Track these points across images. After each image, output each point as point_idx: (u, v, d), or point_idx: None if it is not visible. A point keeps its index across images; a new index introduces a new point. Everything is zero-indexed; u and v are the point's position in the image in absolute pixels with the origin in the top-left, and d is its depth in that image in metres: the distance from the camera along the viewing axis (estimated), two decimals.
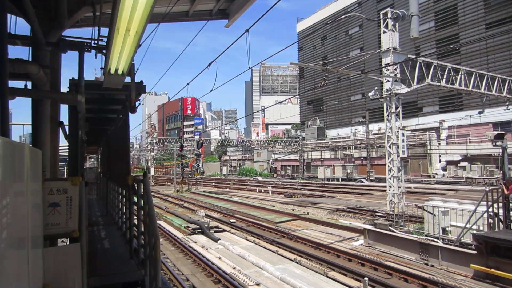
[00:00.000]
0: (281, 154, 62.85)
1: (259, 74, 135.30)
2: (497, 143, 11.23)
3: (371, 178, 39.97)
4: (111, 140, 8.56)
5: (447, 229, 11.01)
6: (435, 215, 11.06)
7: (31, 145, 3.32)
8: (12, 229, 1.69)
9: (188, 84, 14.02)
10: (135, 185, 4.86)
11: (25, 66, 3.75)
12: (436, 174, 38.99)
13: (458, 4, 42.71)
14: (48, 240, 3.31)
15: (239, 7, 6.45)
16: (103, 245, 5.90)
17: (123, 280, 4.21)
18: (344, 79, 57.76)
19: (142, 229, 4.50)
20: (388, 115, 14.19)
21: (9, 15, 3.83)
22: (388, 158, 14.13)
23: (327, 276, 8.70)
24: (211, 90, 11.92)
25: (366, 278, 7.74)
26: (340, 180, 41.84)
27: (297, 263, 9.85)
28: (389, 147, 14.05)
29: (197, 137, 56.50)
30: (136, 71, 5.16)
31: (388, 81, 14.13)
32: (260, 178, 53.36)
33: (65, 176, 12.88)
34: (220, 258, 10.45)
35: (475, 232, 9.31)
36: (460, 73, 16.43)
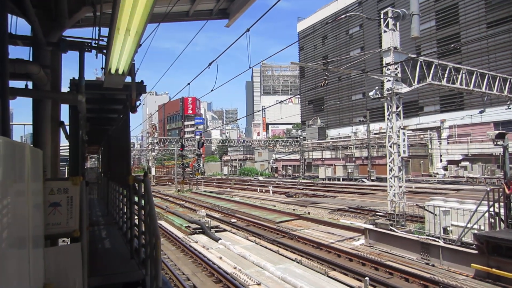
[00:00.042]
0: (282, 154, 62.84)
1: (259, 74, 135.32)
2: (498, 143, 11.19)
3: (372, 178, 39.94)
4: (112, 140, 8.56)
5: (448, 228, 10.99)
6: (436, 215, 11.05)
7: (31, 145, 3.32)
8: (13, 228, 1.69)
9: (188, 84, 14.00)
10: (136, 185, 4.87)
11: (26, 66, 3.75)
12: (437, 173, 38.94)
13: (459, 3, 42.63)
14: (49, 239, 3.31)
15: (239, 7, 6.44)
16: (104, 245, 5.91)
17: (124, 280, 4.21)
18: (345, 78, 57.76)
19: (143, 229, 4.50)
20: (389, 115, 14.18)
21: (9, 15, 3.84)
22: (389, 158, 14.11)
23: (328, 276, 8.70)
24: (212, 90, 11.92)
25: (367, 278, 7.74)
26: (341, 179, 41.83)
27: (298, 262, 9.85)
28: (390, 146, 14.04)
29: (198, 137, 56.59)
30: (137, 71, 5.18)
31: (389, 80, 14.11)
32: (261, 178, 53.36)
33: (66, 176, 12.89)
34: (221, 257, 10.45)
35: (476, 231, 9.29)
36: (461, 73, 16.39)
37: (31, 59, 4.15)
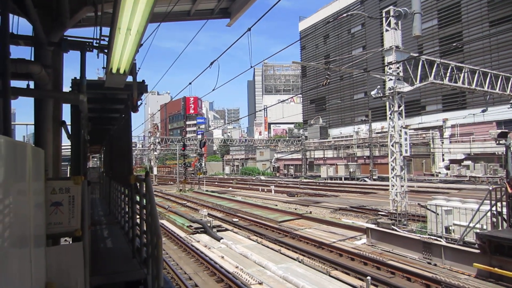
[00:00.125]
0: (283, 153, 62.83)
1: (261, 73, 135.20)
2: (501, 142, 11.13)
3: (373, 177, 39.90)
4: (114, 139, 8.58)
5: (450, 228, 10.96)
6: (438, 214, 11.02)
7: (33, 145, 3.33)
8: (15, 228, 1.70)
9: (190, 83, 14.01)
10: (138, 184, 4.87)
11: (27, 66, 3.76)
12: (439, 173, 38.84)
13: (461, 2, 42.47)
14: (50, 239, 3.32)
15: (240, 6, 6.43)
16: (105, 244, 5.92)
17: (126, 279, 4.22)
18: (347, 77, 57.68)
19: (145, 228, 4.51)
20: (391, 114, 14.14)
21: (11, 15, 3.84)
22: (391, 157, 14.08)
23: (329, 275, 8.69)
24: (213, 89, 11.93)
25: (369, 277, 7.73)
26: (342, 179, 41.79)
27: (299, 262, 9.85)
28: (392, 146, 14.00)
29: (199, 136, 56.63)
30: (138, 71, 5.18)
31: (391, 79, 14.07)
32: (262, 177, 53.36)
33: (68, 176, 12.92)
34: (222, 257, 10.46)
35: (478, 231, 9.27)
36: (463, 71, 16.31)
37: (32, 59, 4.16)
